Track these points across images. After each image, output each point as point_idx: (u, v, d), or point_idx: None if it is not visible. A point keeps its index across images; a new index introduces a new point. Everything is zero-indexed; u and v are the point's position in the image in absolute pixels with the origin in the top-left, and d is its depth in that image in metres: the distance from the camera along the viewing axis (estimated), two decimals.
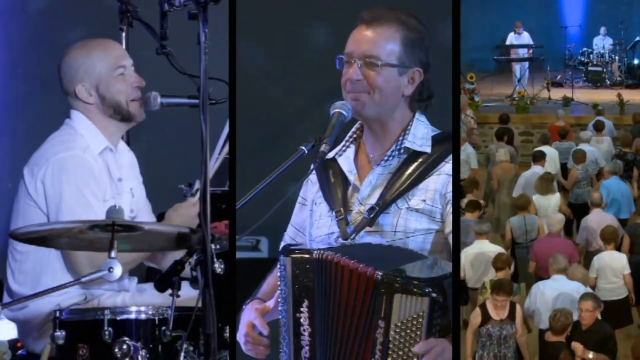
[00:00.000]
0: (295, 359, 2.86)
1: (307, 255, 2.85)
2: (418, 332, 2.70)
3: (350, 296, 2.76)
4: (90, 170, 3.72)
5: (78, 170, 3.70)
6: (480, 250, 8.03)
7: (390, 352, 2.71)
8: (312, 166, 2.98)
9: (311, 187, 3.15)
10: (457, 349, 2.99)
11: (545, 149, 11.31)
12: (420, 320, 2.69)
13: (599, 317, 6.83)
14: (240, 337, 3.03)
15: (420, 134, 3.02)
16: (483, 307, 6.97)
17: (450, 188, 2.95)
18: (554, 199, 9.65)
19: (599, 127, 12.07)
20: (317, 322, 2.82)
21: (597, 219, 8.82)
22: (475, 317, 6.96)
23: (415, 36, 3.01)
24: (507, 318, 6.88)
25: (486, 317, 6.90)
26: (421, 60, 3.02)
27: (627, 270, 8.01)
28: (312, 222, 3.11)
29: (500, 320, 6.87)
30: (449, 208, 2.94)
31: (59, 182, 3.68)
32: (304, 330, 2.84)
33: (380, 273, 2.72)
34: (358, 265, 2.75)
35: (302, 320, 2.84)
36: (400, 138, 3.01)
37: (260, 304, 3.05)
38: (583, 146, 11.37)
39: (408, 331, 2.70)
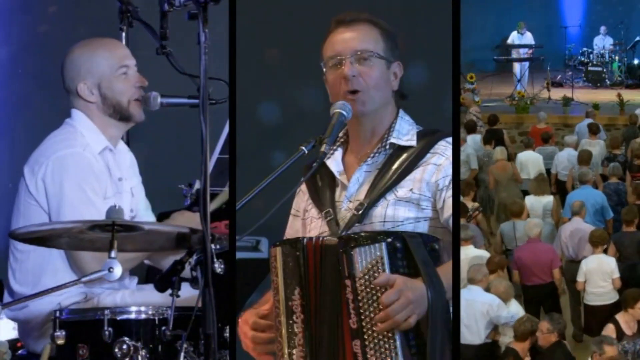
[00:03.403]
0: (289, 347, 2.86)
1: (296, 244, 2.87)
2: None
3: (324, 273, 2.81)
4: (90, 167, 3.72)
5: (78, 167, 3.70)
6: (466, 257, 7.89)
7: (361, 305, 2.73)
8: (310, 168, 2.99)
9: (302, 196, 3.17)
10: (457, 349, 2.99)
11: (529, 153, 11.30)
12: (382, 265, 2.73)
13: (562, 340, 6.66)
14: (247, 343, 3.01)
15: (405, 130, 3.05)
16: (616, 323, 6.71)
17: (439, 176, 2.96)
18: (546, 201, 9.59)
19: (594, 130, 11.99)
20: (308, 309, 2.83)
21: (570, 229, 8.66)
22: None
23: (388, 32, 3.06)
24: (638, 332, 6.63)
25: (620, 334, 6.63)
26: (398, 55, 3.07)
27: (617, 274, 7.90)
28: (305, 228, 3.14)
29: (633, 334, 6.62)
30: (443, 194, 2.95)
31: (59, 179, 3.68)
32: (297, 317, 2.85)
33: (335, 238, 2.80)
34: (321, 240, 2.82)
35: (294, 308, 2.85)
36: (386, 135, 3.04)
37: (255, 309, 3.04)
38: (565, 151, 11.35)
39: (372, 279, 2.73)
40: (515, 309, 7.16)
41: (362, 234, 2.82)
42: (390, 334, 2.71)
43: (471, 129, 12.11)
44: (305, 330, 2.84)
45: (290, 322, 2.85)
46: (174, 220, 3.88)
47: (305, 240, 2.87)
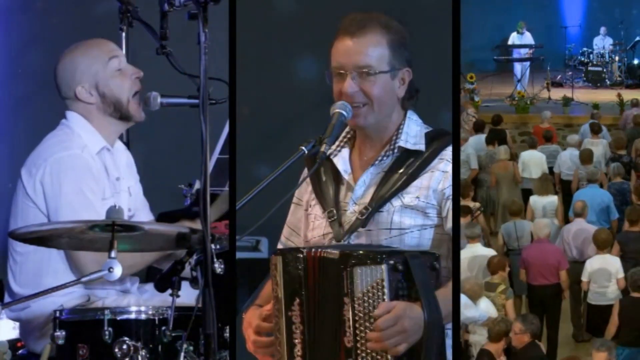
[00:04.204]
0: (289, 357, 2.85)
1: (296, 254, 2.85)
2: (381, 301, 2.71)
3: (324, 286, 2.78)
4: (89, 168, 3.72)
5: (77, 169, 3.70)
6: (474, 254, 7.93)
7: (358, 326, 2.71)
8: (313, 166, 2.98)
9: (305, 187, 3.14)
10: (458, 350, 2.99)
11: (532, 152, 11.28)
12: (382, 288, 2.70)
13: (536, 341, 6.65)
14: (249, 345, 3.01)
15: (414, 133, 3.03)
16: None
17: (445, 184, 2.95)
18: (547, 201, 9.58)
19: (595, 130, 11.98)
20: (308, 319, 2.82)
21: (574, 229, 8.65)
22: None
23: (399, 37, 3.00)
24: None
25: None
26: (407, 59, 3.02)
27: (621, 274, 7.90)
28: (308, 224, 3.12)
29: None
30: (448, 203, 2.94)
31: (58, 181, 3.68)
32: (296, 328, 2.84)
33: (336, 251, 2.75)
34: (322, 252, 2.78)
35: (293, 318, 2.84)
36: (394, 138, 3.02)
37: (258, 309, 3.04)
38: (568, 150, 11.34)
39: (371, 301, 2.71)
40: (485, 307, 7.14)
41: (362, 252, 2.76)
42: (383, 358, 2.70)
43: (479, 128, 12.13)
44: (303, 341, 2.83)
45: (290, 332, 2.84)
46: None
47: (305, 250, 2.84)
